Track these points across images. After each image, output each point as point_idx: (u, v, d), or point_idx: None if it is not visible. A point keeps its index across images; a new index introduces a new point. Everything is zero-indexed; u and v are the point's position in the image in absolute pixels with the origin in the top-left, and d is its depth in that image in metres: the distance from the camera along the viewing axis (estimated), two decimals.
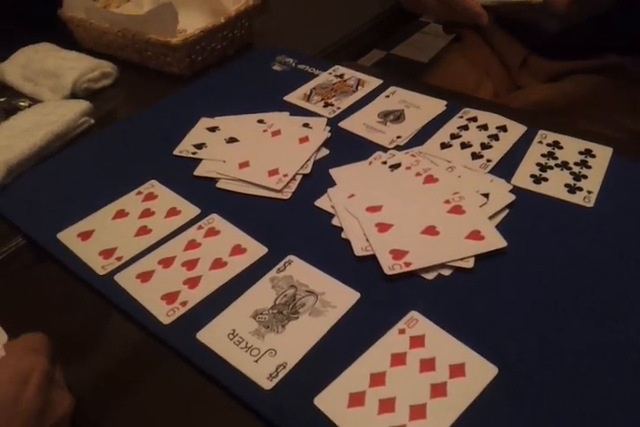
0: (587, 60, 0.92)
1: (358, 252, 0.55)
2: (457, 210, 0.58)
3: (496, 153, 0.66)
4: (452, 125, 0.71)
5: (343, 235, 0.58)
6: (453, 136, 0.69)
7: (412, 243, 0.55)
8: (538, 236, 0.57)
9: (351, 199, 0.61)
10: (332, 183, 0.64)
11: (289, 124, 0.71)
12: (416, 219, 0.58)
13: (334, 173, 0.65)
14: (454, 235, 0.55)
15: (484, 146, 0.67)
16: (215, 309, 0.51)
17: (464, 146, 0.67)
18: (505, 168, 0.64)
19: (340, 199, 0.61)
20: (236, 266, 0.55)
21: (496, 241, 0.55)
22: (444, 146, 0.68)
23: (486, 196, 0.59)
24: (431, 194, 0.60)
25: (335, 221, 0.59)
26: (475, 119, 0.71)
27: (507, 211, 0.59)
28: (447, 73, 1.02)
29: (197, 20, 0.93)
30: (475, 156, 0.66)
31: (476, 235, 0.55)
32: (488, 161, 0.65)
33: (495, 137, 0.68)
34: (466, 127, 0.70)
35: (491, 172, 0.64)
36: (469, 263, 0.53)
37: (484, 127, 0.70)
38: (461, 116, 0.72)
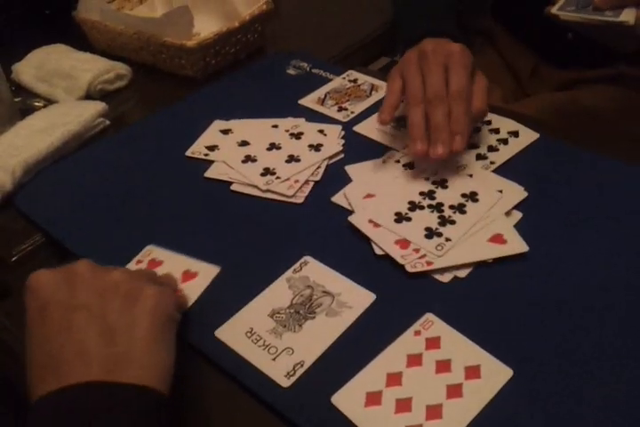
0: (597, 69, 0.93)
1: (378, 251, 0.56)
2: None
3: (501, 156, 0.67)
4: None
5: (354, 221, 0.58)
6: None
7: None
8: (553, 240, 0.57)
9: (369, 201, 0.61)
10: (346, 184, 0.64)
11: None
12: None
13: (350, 169, 0.66)
14: (477, 238, 0.56)
15: (491, 148, 0.68)
16: (233, 307, 0.51)
17: (471, 146, 0.68)
18: (507, 172, 0.64)
19: (356, 197, 0.62)
20: (192, 291, 0.54)
21: (519, 246, 0.55)
22: None
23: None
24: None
25: (352, 219, 0.59)
26: (489, 122, 0.72)
27: (520, 215, 0.59)
28: None
29: (210, 23, 0.94)
30: (479, 157, 0.67)
31: (498, 238, 0.56)
32: (491, 163, 0.66)
33: (505, 141, 0.69)
34: (478, 129, 0.71)
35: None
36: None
37: (496, 131, 0.71)
38: None
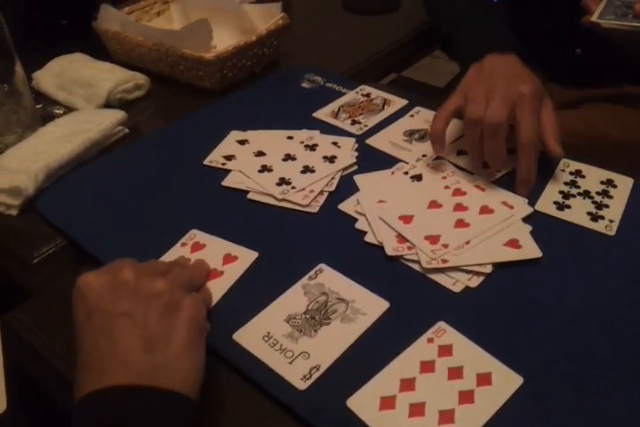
0: (602, 88, 0.95)
1: (390, 252, 0.58)
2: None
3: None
4: None
5: (367, 238, 0.61)
6: None
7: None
8: (562, 258, 0.59)
9: (381, 205, 0.64)
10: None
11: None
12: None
13: (358, 179, 0.68)
14: (492, 241, 0.59)
15: None
16: (250, 312, 0.53)
17: None
18: (513, 181, 0.66)
19: (369, 204, 0.64)
20: (232, 274, 0.57)
21: (533, 251, 0.57)
22: (460, 153, 0.71)
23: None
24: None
25: (359, 225, 0.62)
26: None
27: (530, 228, 0.61)
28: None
29: (227, 37, 0.96)
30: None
31: (514, 243, 0.58)
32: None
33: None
34: None
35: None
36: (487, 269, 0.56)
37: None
38: None
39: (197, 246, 0.60)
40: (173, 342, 0.43)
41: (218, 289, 0.55)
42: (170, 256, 0.59)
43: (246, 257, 0.59)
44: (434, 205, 0.63)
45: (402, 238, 0.59)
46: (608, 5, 0.72)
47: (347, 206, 0.65)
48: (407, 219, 0.62)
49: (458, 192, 0.65)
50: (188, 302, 0.46)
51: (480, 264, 0.56)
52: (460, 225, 0.60)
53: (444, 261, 0.56)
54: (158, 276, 0.47)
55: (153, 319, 0.44)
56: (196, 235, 0.61)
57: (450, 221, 0.61)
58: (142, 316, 0.43)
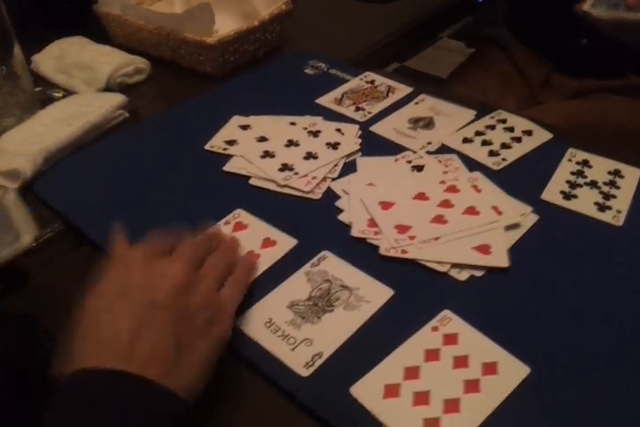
0: (608, 79, 0.94)
1: (355, 233, 0.58)
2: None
3: (513, 154, 0.69)
4: (480, 124, 0.74)
5: (340, 216, 0.61)
6: (478, 133, 0.72)
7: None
8: (568, 248, 0.58)
9: (369, 188, 0.63)
10: None
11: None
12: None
13: (360, 161, 0.68)
14: (462, 242, 0.57)
15: (504, 146, 0.70)
16: (252, 299, 0.52)
17: (485, 143, 0.70)
18: (519, 170, 0.66)
19: (358, 185, 0.64)
20: (267, 258, 0.56)
21: (500, 259, 0.55)
22: (465, 140, 0.71)
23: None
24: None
25: (339, 203, 0.62)
26: (504, 121, 0.74)
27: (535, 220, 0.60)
28: (469, 87, 1.04)
29: (229, 21, 0.94)
30: (492, 153, 0.69)
31: (484, 248, 0.56)
32: (503, 159, 0.68)
33: (518, 139, 0.71)
34: (493, 127, 0.73)
35: (503, 170, 0.67)
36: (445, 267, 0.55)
37: (511, 129, 0.73)
38: (492, 117, 0.75)
39: (240, 226, 0.60)
40: (198, 351, 0.43)
41: None
42: None
43: (285, 243, 0.58)
44: (420, 196, 0.62)
45: (373, 223, 0.59)
46: None
47: (336, 185, 0.65)
48: (387, 205, 0.61)
49: (451, 189, 0.63)
50: (226, 322, 0.46)
51: (439, 262, 0.55)
52: (437, 221, 0.59)
53: (404, 251, 0.55)
54: (205, 279, 0.48)
55: (189, 324, 0.44)
56: (241, 214, 0.61)
57: (428, 215, 0.60)
58: (176, 322, 0.43)
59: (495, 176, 0.65)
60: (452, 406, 0.44)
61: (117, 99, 0.76)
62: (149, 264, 0.46)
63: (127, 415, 0.37)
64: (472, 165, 0.67)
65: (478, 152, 0.69)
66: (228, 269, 0.51)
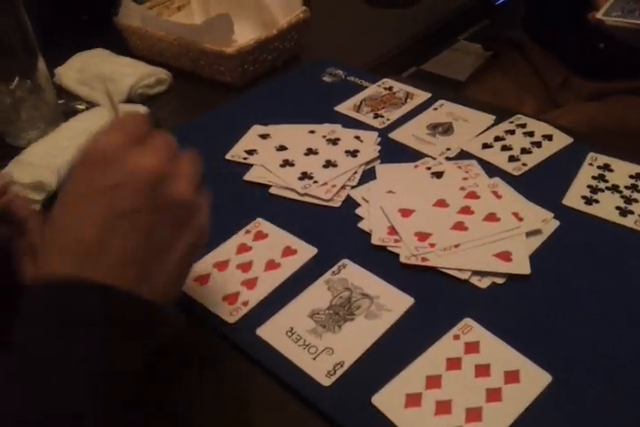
0: (626, 81, 0.93)
1: (376, 241, 0.58)
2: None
3: (533, 159, 0.68)
4: (499, 129, 0.73)
5: (360, 224, 0.61)
6: (497, 138, 0.72)
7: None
8: (590, 254, 0.57)
9: (388, 195, 0.64)
10: None
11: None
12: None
13: (379, 168, 0.68)
14: (483, 249, 0.57)
15: (524, 151, 0.70)
16: (273, 308, 0.53)
17: (504, 148, 0.70)
18: (539, 175, 0.66)
19: (378, 192, 0.64)
20: (288, 267, 0.57)
21: (522, 267, 0.55)
22: (485, 146, 0.71)
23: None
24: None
25: (359, 211, 0.63)
26: (524, 126, 0.74)
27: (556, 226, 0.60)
28: (487, 90, 1.04)
29: (248, 31, 0.95)
30: (512, 158, 0.68)
31: (505, 255, 0.56)
32: (523, 165, 0.68)
33: (538, 144, 0.70)
34: (512, 132, 0.73)
35: (523, 175, 0.66)
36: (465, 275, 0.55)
37: (530, 134, 0.72)
38: (512, 122, 0.74)
39: (260, 235, 0.60)
40: (169, 260, 0.40)
41: (271, 281, 0.55)
42: (232, 243, 0.59)
43: (305, 252, 0.58)
44: (440, 203, 0.62)
45: (393, 230, 0.59)
46: (617, 1, 0.70)
47: (356, 193, 0.65)
48: (407, 212, 0.61)
49: (471, 195, 0.63)
50: (201, 221, 0.42)
51: (459, 269, 0.55)
52: (457, 228, 0.59)
53: (425, 259, 0.55)
54: (181, 175, 0.41)
55: (162, 228, 0.39)
56: (261, 224, 0.61)
57: (449, 222, 0.59)
58: (150, 225, 0.39)
59: (515, 182, 0.65)
60: (473, 415, 0.44)
61: (139, 111, 0.77)
62: (121, 159, 0.39)
63: (96, 327, 0.36)
64: (492, 170, 0.67)
65: (498, 157, 0.69)
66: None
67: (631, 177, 0.66)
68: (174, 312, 0.41)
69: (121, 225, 0.38)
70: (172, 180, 0.40)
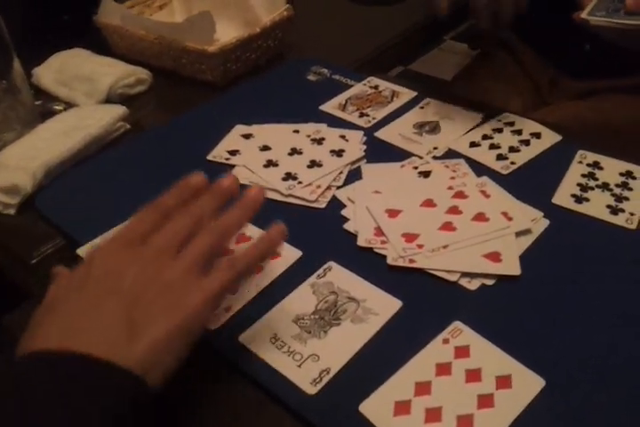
0: (614, 79, 0.92)
1: (362, 242, 0.57)
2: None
3: (522, 157, 0.67)
4: (487, 127, 0.72)
5: (346, 225, 0.59)
6: (485, 137, 0.71)
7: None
8: (581, 253, 0.56)
9: (374, 196, 0.62)
10: None
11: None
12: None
13: (365, 168, 0.67)
14: (472, 250, 0.55)
15: (513, 149, 0.68)
16: (256, 313, 0.51)
17: (492, 147, 0.69)
18: (528, 174, 0.65)
19: (363, 192, 0.63)
20: (271, 271, 0.55)
21: (512, 268, 0.54)
22: (472, 144, 0.69)
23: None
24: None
25: (345, 212, 0.61)
26: (512, 124, 0.72)
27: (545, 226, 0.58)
28: (475, 89, 1.03)
29: (230, 29, 0.94)
30: (500, 157, 0.67)
31: (495, 256, 0.54)
32: (512, 163, 0.66)
33: (526, 142, 0.69)
34: (500, 130, 0.72)
35: (512, 174, 0.65)
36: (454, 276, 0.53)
37: (519, 132, 0.71)
38: (499, 120, 0.73)
39: (243, 238, 0.57)
40: (152, 334, 0.39)
41: (254, 285, 0.53)
42: None
43: (289, 255, 0.56)
44: (428, 203, 0.61)
45: (379, 231, 0.57)
46: (602, 0, 0.69)
47: (341, 193, 0.64)
48: (393, 213, 0.59)
49: (459, 195, 0.62)
50: (196, 300, 0.41)
51: (448, 271, 0.53)
52: (445, 228, 0.57)
53: (412, 261, 0.54)
54: (184, 259, 0.42)
55: (142, 312, 0.40)
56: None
57: (437, 223, 0.58)
58: (136, 294, 0.41)
59: (504, 180, 0.64)
60: (465, 422, 0.43)
61: (118, 111, 0.75)
62: (113, 258, 0.43)
63: (69, 394, 0.36)
64: (480, 169, 0.66)
65: (486, 156, 0.67)
66: (221, 242, 0.46)
67: (621, 175, 0.65)
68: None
69: (102, 302, 0.40)
70: (166, 269, 0.42)
